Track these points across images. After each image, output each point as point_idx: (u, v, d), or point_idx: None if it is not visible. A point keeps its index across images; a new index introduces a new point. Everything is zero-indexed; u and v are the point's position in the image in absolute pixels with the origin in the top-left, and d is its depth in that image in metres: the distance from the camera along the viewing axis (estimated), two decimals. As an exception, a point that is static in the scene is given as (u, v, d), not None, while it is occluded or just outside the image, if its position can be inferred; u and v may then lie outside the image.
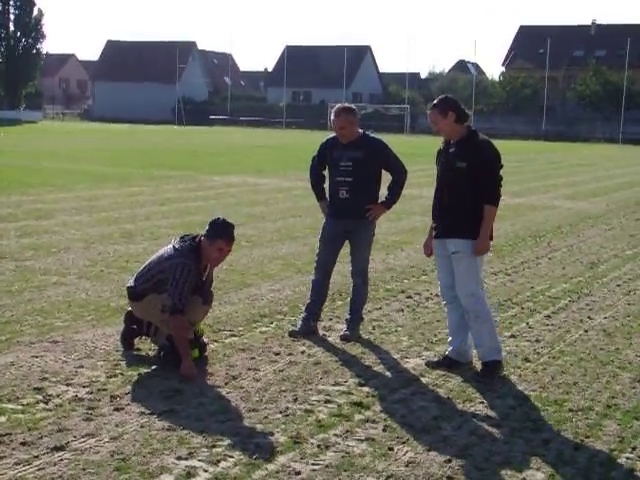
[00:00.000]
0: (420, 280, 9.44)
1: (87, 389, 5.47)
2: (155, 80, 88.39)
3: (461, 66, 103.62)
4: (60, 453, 4.45)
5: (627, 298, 8.90)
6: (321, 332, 7.10)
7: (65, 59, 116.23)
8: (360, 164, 6.89)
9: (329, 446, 4.70)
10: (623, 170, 31.79)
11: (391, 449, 4.70)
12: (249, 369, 6.03)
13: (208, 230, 6.11)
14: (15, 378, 5.62)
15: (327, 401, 5.42)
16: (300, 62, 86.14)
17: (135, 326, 6.38)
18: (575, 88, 75.38)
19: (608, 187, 23.32)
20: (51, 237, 11.39)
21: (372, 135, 7.15)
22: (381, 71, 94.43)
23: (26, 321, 7.05)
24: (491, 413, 5.35)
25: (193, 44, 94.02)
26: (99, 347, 6.42)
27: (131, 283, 6.29)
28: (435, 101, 6.18)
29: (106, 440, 4.65)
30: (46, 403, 5.19)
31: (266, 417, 5.09)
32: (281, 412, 5.19)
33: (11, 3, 79.92)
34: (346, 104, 7.23)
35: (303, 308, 7.29)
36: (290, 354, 6.45)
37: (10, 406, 5.11)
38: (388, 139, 7.64)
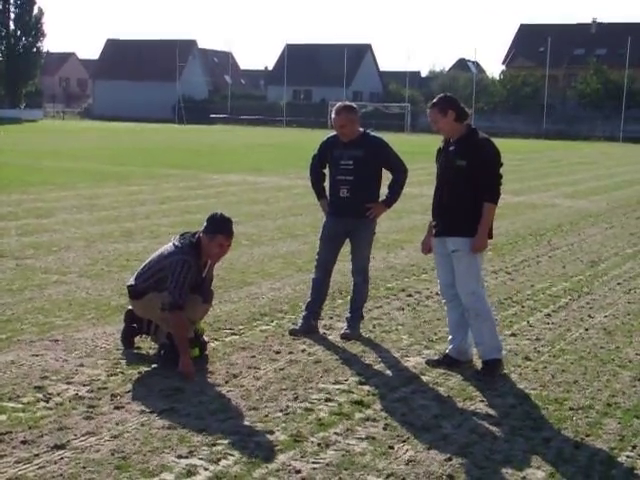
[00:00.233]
0: (420, 278, 9.44)
1: (87, 388, 5.47)
2: (155, 79, 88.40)
3: (462, 64, 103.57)
4: (60, 451, 4.46)
5: (627, 296, 8.90)
6: (321, 331, 7.10)
7: (65, 58, 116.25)
8: (361, 163, 6.89)
9: (329, 444, 4.70)
10: (624, 168, 31.77)
11: (391, 447, 4.70)
12: (249, 368, 6.03)
13: (207, 226, 6.09)
14: (16, 377, 5.62)
15: (327, 400, 5.42)
16: (300, 60, 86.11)
17: (135, 325, 6.38)
18: (576, 87, 75.33)
19: (608, 185, 23.31)
20: (51, 236, 11.40)
21: (373, 134, 7.14)
22: (381, 69, 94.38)
23: (26, 320, 7.05)
24: (491, 411, 5.35)
25: (193, 42, 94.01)
26: (99, 346, 6.43)
27: (131, 282, 6.28)
28: (435, 100, 6.18)
29: (106, 438, 4.66)
30: (46, 402, 5.19)
31: (266, 416, 5.10)
32: (281, 411, 5.19)
33: (11, 2, 79.83)
34: (347, 102, 7.23)
35: (303, 307, 7.29)
36: (290, 353, 6.45)
37: (10, 405, 5.12)
38: (388, 138, 7.63)
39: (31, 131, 49.50)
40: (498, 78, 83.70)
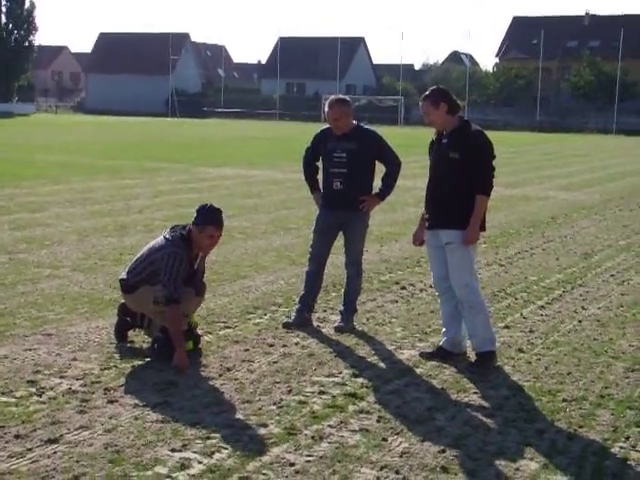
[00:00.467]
0: (414, 271, 9.44)
1: (81, 382, 5.46)
2: (148, 72, 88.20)
3: (455, 57, 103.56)
4: (54, 446, 4.45)
5: (621, 288, 8.92)
6: (315, 323, 7.10)
7: (58, 51, 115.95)
8: (354, 155, 6.88)
9: (323, 437, 4.70)
10: (617, 160, 31.83)
11: (385, 440, 4.70)
12: (243, 361, 6.02)
13: (196, 217, 6.06)
14: (8, 371, 5.60)
15: (321, 392, 5.42)
16: (294, 54, 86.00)
17: (129, 318, 6.36)
18: (569, 79, 75.42)
19: (602, 178, 23.35)
20: (44, 230, 11.37)
21: (366, 126, 7.14)
22: (375, 63, 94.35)
23: (19, 314, 7.03)
24: (485, 403, 5.36)
25: (186, 36, 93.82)
26: (93, 339, 6.41)
27: (123, 276, 6.27)
28: (427, 92, 6.17)
29: (100, 432, 4.65)
30: (40, 396, 5.18)
31: (260, 409, 5.09)
32: (275, 403, 5.18)
33: (3, -5, 79.62)
34: (340, 95, 7.22)
35: (297, 300, 7.28)
36: (284, 346, 6.45)
37: (3, 399, 5.10)
38: (382, 131, 7.63)
39: (24, 125, 49.35)
40: (491, 71, 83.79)
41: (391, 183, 7.08)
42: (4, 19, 79.74)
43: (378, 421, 4.97)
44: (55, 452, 4.37)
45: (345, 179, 6.90)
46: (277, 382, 5.58)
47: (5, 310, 7.13)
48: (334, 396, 5.36)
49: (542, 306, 7.98)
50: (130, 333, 6.42)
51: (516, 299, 8.26)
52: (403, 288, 8.58)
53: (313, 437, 4.69)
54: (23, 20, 79.88)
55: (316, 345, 6.51)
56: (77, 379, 5.51)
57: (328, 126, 7.03)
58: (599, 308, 8.00)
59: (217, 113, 77.05)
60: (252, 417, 4.96)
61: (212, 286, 8.04)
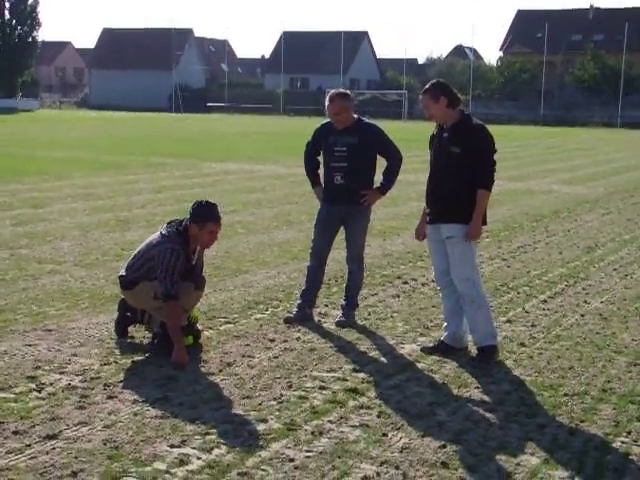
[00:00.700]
0: (416, 266, 9.42)
1: (80, 377, 5.44)
2: (152, 67, 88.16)
3: (459, 51, 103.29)
4: (52, 441, 4.43)
5: (624, 282, 8.88)
6: (316, 318, 7.08)
7: (61, 47, 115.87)
8: (355, 150, 6.85)
9: (323, 433, 4.68)
10: (621, 154, 31.73)
11: (385, 435, 4.68)
12: (244, 356, 6.00)
13: (194, 215, 6.03)
14: (8, 367, 5.59)
15: (321, 387, 5.40)
16: (297, 48, 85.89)
17: (129, 314, 6.35)
18: (573, 72, 75.18)
19: (606, 171, 23.27)
20: (46, 225, 11.36)
21: (367, 120, 7.10)
22: (379, 57, 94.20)
23: (20, 309, 7.02)
24: (486, 398, 5.33)
25: (190, 31, 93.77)
26: (93, 335, 6.40)
27: (122, 272, 6.25)
28: (427, 86, 6.13)
29: (99, 428, 4.63)
30: (39, 391, 5.17)
31: (260, 404, 5.07)
32: (275, 399, 5.16)
33: (6, -9, 79.60)
34: (341, 90, 7.18)
35: (298, 294, 7.26)
36: (285, 341, 6.43)
37: (3, 395, 5.09)
38: (386, 125, 7.61)
39: (27, 121, 49.38)
40: (495, 65, 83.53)
41: (392, 177, 7.05)
42: (8, 15, 79.72)
43: (378, 416, 4.95)
44: (54, 448, 4.36)
45: (346, 173, 6.87)
46: (277, 377, 5.56)
47: (6, 306, 7.12)
48: (334, 391, 5.34)
49: (544, 300, 7.95)
50: (130, 329, 6.41)
51: (518, 293, 8.23)
52: (405, 283, 8.55)
53: (313, 433, 4.67)
54: (27, 16, 79.85)
55: (317, 340, 6.49)
56: (77, 375, 5.49)
57: (329, 120, 7.00)
58: (602, 302, 7.96)
59: (221, 108, 76.97)
60: (252, 412, 4.94)
61: (213, 281, 8.03)
